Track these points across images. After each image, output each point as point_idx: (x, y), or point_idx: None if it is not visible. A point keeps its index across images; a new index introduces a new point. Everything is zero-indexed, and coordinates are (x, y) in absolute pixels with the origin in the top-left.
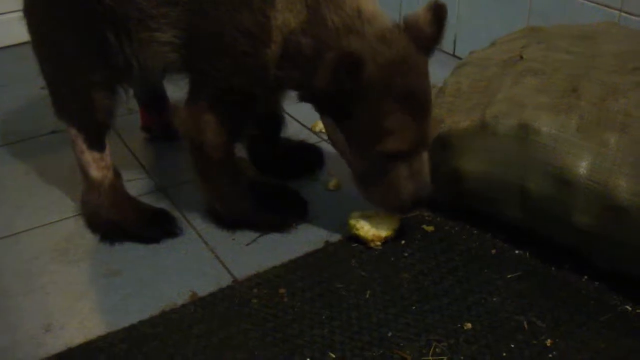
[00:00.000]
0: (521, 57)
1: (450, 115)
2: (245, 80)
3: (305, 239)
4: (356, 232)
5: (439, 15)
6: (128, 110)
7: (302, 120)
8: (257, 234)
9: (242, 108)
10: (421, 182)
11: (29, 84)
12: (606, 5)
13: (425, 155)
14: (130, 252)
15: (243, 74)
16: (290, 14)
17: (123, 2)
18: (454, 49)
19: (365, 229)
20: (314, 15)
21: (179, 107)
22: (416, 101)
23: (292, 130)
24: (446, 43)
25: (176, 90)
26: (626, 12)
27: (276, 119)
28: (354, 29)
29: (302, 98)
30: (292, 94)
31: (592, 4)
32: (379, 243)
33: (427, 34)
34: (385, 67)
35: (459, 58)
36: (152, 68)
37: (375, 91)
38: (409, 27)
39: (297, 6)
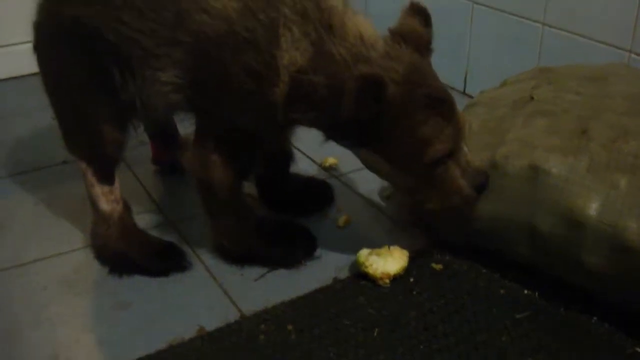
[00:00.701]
0: (532, 98)
1: None
2: (252, 121)
3: (313, 276)
4: (365, 269)
5: (424, 15)
6: (139, 142)
7: (312, 156)
8: (265, 270)
9: (249, 148)
10: (475, 171)
11: (41, 114)
12: (616, 47)
13: (465, 147)
14: (139, 285)
15: (250, 114)
16: (297, 52)
17: (126, 40)
18: (465, 87)
19: (374, 266)
20: (320, 51)
21: (188, 144)
22: (440, 101)
23: (302, 166)
24: (457, 81)
25: (187, 124)
26: (636, 54)
27: (285, 155)
28: (361, 56)
29: (329, 136)
30: (300, 130)
31: (602, 45)
32: (387, 281)
33: (423, 37)
34: (402, 82)
35: (470, 96)
36: (156, 107)
37: (402, 106)
38: (404, 37)
39: (303, 44)
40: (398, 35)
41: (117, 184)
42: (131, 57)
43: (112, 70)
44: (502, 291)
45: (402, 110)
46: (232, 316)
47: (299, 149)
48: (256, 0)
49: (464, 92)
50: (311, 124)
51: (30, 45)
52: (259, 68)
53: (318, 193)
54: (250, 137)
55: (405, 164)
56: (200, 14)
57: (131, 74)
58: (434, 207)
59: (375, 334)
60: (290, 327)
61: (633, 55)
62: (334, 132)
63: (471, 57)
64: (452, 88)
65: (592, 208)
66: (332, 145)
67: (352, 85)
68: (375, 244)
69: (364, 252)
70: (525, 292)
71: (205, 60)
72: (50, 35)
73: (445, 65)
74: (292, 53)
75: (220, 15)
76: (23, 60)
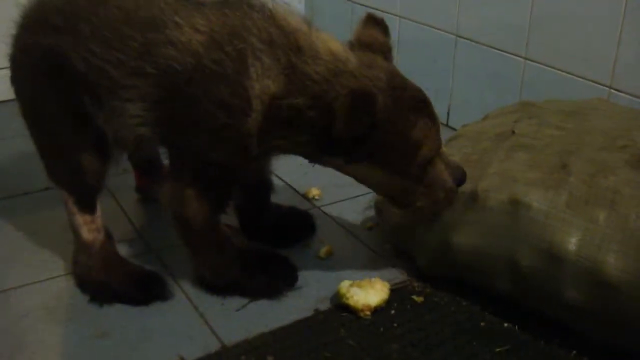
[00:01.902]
0: (513, 132)
1: None
2: (224, 153)
3: (294, 307)
4: (346, 301)
5: (382, 26)
6: (122, 170)
7: (295, 186)
8: (247, 300)
9: (225, 180)
10: (454, 166)
11: (23, 140)
12: (596, 82)
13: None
14: (119, 313)
15: (221, 146)
16: (269, 80)
17: (95, 70)
18: (447, 120)
19: (355, 298)
20: (294, 74)
21: (164, 177)
22: (425, 102)
23: (285, 196)
24: (440, 114)
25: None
26: (615, 89)
27: (265, 185)
28: (339, 70)
29: (315, 159)
30: (284, 161)
31: (583, 80)
32: (368, 313)
33: (385, 47)
34: (387, 88)
35: (453, 129)
36: (126, 139)
37: (391, 113)
38: (369, 46)
39: (274, 71)
40: (363, 45)
41: (98, 212)
42: (99, 86)
43: (84, 102)
44: (482, 324)
45: (391, 117)
46: (213, 346)
47: (282, 179)
48: (221, 33)
49: (447, 125)
50: (295, 147)
51: (7, 71)
52: (230, 100)
53: (300, 223)
54: (225, 170)
55: (397, 168)
56: (166, 46)
57: (100, 104)
58: (423, 205)
59: None
60: (270, 358)
61: (613, 91)
62: (323, 152)
63: (454, 90)
64: None
65: (572, 242)
66: (316, 176)
67: (343, 103)
68: (356, 276)
69: (345, 284)
70: (506, 325)
71: (173, 94)
72: (25, 67)
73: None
74: (264, 82)
75: (186, 49)
76: (3, 85)
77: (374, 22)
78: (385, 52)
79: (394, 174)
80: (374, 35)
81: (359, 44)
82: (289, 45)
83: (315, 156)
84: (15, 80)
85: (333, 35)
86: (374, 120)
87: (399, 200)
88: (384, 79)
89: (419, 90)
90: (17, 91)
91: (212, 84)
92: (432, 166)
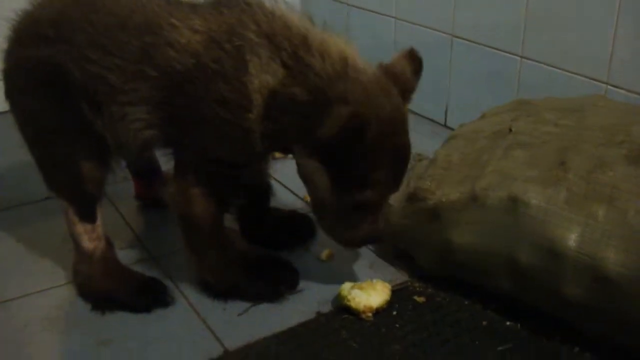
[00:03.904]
0: (510, 130)
1: (440, 188)
2: (229, 151)
3: (296, 310)
4: (347, 303)
5: (418, 65)
6: (122, 178)
7: (296, 190)
8: (249, 304)
9: (229, 179)
10: (376, 227)
11: (23, 150)
12: (593, 79)
13: (390, 199)
14: (121, 321)
15: (226, 145)
16: (267, 75)
17: (92, 77)
18: (445, 120)
19: (357, 300)
20: (296, 67)
21: (170, 179)
22: (402, 157)
23: (285, 200)
24: (437, 114)
25: (169, 160)
26: (613, 85)
27: (265, 188)
28: (347, 76)
29: (297, 154)
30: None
31: (580, 77)
32: (370, 314)
33: (409, 85)
34: (385, 123)
35: (451, 128)
36: (128, 144)
37: (374, 146)
38: (394, 77)
39: (273, 66)
40: (389, 73)
41: (99, 221)
42: (98, 94)
43: (83, 110)
44: (484, 323)
45: (372, 148)
46: (216, 351)
47: (282, 184)
48: (219, 31)
49: (444, 125)
50: (284, 136)
51: None
52: (231, 97)
53: (300, 227)
54: (230, 168)
55: (339, 190)
56: (165, 48)
57: (99, 111)
58: (328, 227)
59: None
60: None
61: (610, 87)
62: (303, 140)
63: (452, 90)
64: (434, 121)
65: (571, 239)
66: None
67: (339, 117)
68: (357, 278)
69: (346, 286)
70: (508, 323)
71: (175, 95)
72: (18, 80)
73: (427, 98)
74: (263, 76)
75: (186, 50)
76: (2, 96)
77: (411, 57)
78: (404, 90)
79: (334, 189)
80: (404, 69)
81: (386, 70)
82: (294, 38)
83: (283, 139)
84: (11, 94)
85: (353, 44)
86: (357, 143)
87: (317, 210)
88: (386, 112)
89: (406, 146)
90: (13, 105)
91: (213, 82)
92: (361, 210)
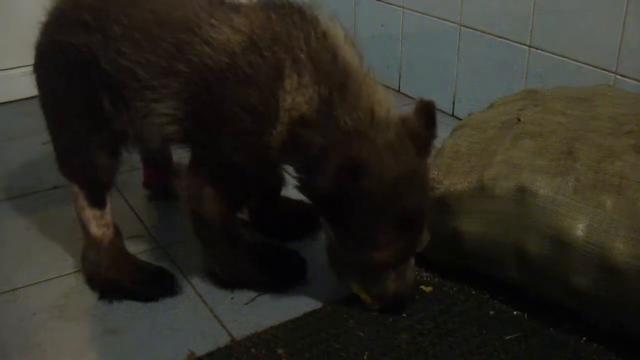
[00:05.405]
0: (519, 120)
1: (448, 177)
2: (246, 158)
3: (304, 299)
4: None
5: (431, 119)
6: (130, 167)
7: None
8: (256, 294)
9: (243, 183)
10: (403, 285)
11: (33, 139)
12: (602, 68)
13: (412, 260)
14: (129, 310)
15: (245, 151)
16: (302, 98)
17: (120, 70)
18: (453, 110)
19: None
20: (326, 109)
21: (181, 169)
22: (412, 221)
23: (294, 190)
24: (445, 104)
25: (180, 149)
26: (621, 75)
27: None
28: (363, 135)
29: (300, 189)
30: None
31: (588, 67)
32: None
33: (424, 141)
34: (389, 184)
35: (458, 118)
36: (150, 138)
37: (375, 204)
38: (410, 134)
39: (310, 91)
40: (408, 128)
41: (108, 208)
42: (125, 87)
43: (102, 99)
44: (491, 312)
45: (373, 206)
46: (223, 340)
47: (291, 175)
48: (262, 36)
49: (452, 115)
50: (294, 169)
51: (21, 70)
52: (258, 106)
53: (309, 217)
54: (245, 172)
55: (350, 247)
56: (202, 45)
57: (125, 105)
58: (351, 288)
59: (365, 357)
60: (280, 351)
61: (618, 77)
62: (306, 188)
63: (459, 79)
64: (441, 110)
65: (579, 229)
66: None
67: (337, 160)
68: None
69: None
70: (515, 313)
71: (204, 92)
72: (49, 59)
73: (434, 88)
74: (297, 98)
75: (222, 48)
76: (14, 85)
77: (424, 111)
78: (420, 145)
79: (343, 245)
80: (419, 126)
81: (406, 125)
82: (336, 76)
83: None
84: (39, 69)
85: (383, 90)
86: (352, 190)
87: (335, 267)
88: (394, 175)
89: (418, 209)
90: (38, 81)
91: (243, 86)
92: (380, 271)
